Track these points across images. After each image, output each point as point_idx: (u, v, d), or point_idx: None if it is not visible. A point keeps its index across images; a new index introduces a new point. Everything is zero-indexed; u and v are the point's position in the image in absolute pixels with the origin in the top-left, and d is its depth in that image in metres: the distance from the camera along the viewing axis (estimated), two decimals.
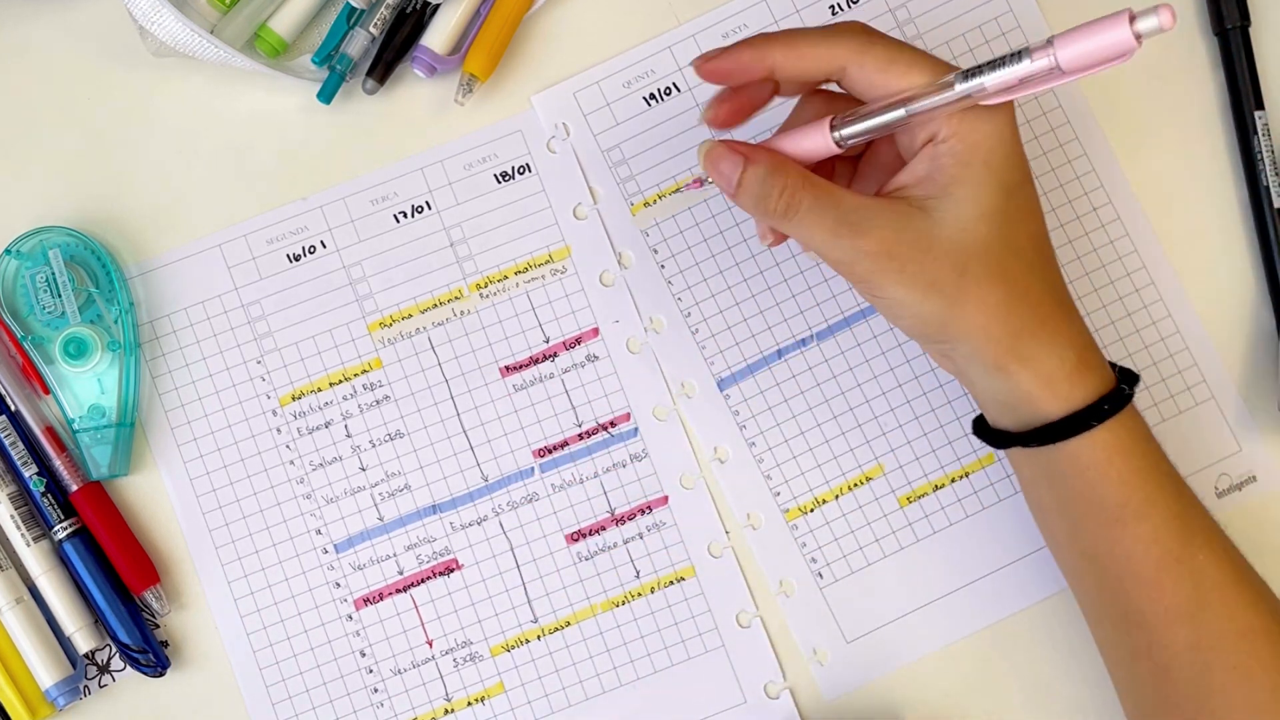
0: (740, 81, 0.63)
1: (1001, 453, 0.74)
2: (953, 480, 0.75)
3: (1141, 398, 0.74)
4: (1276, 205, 0.76)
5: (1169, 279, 0.76)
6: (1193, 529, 0.62)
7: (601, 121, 0.78)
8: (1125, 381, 0.62)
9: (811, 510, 0.75)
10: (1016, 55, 0.54)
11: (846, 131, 0.60)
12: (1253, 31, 0.78)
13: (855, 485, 0.75)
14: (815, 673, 0.74)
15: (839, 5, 0.79)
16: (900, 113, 0.58)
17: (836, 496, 0.75)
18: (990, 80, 0.55)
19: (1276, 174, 0.76)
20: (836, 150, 0.61)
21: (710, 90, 0.65)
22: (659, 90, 0.78)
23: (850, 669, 0.73)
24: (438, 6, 0.76)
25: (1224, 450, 0.75)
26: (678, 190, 0.77)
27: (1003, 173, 0.59)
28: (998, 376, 0.61)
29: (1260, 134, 0.76)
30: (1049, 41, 0.52)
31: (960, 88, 0.56)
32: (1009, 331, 0.60)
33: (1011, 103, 0.58)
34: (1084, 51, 0.51)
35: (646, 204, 0.77)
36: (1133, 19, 0.50)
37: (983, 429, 0.66)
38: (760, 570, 0.74)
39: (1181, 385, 0.76)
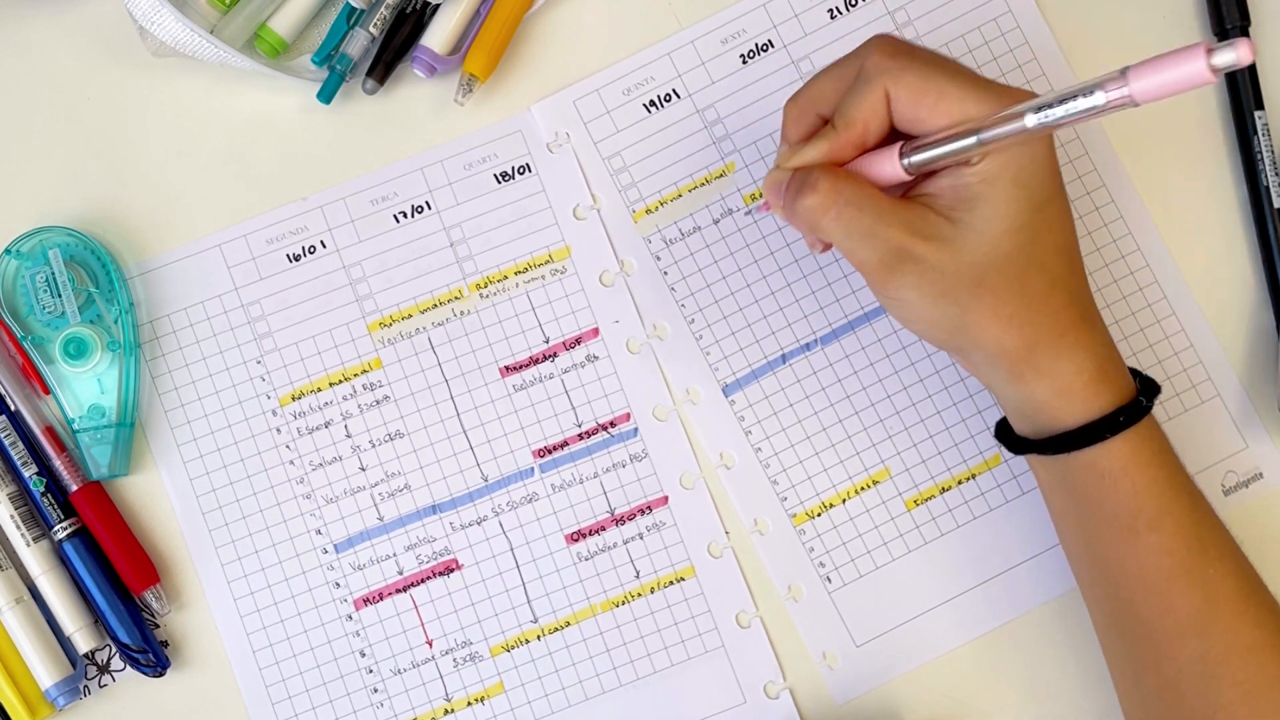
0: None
1: (1013, 455, 0.73)
2: (959, 482, 0.75)
3: None
4: (1276, 205, 0.76)
5: (1172, 276, 0.76)
6: (1205, 542, 0.62)
7: (602, 129, 0.78)
8: (1146, 392, 0.63)
9: (819, 515, 0.75)
10: (1089, 90, 0.52)
11: (916, 159, 0.60)
12: (1253, 31, 0.78)
13: (862, 489, 0.75)
14: (826, 677, 0.74)
15: (837, 9, 0.79)
16: (972, 140, 0.57)
17: (844, 500, 0.75)
18: (1063, 115, 0.53)
19: (1276, 174, 0.76)
20: (906, 177, 0.61)
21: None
22: (659, 97, 0.78)
23: (860, 673, 0.73)
24: (438, 6, 0.76)
25: (1230, 448, 0.75)
26: (679, 196, 0.77)
27: (1032, 189, 0.59)
28: (1014, 386, 0.62)
29: (1260, 134, 0.76)
30: (1123, 73, 0.50)
31: (1032, 123, 0.54)
32: (1025, 343, 0.60)
33: None
34: (1159, 84, 0.49)
35: (648, 211, 0.77)
36: (1210, 52, 0.47)
37: (1004, 433, 0.66)
38: (763, 572, 0.74)
39: (1187, 383, 0.76)
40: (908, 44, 0.61)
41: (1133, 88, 0.50)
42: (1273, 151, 0.76)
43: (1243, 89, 0.77)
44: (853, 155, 0.62)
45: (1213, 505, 0.64)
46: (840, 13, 0.79)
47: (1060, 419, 0.61)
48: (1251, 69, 0.77)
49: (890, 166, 0.61)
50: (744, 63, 0.79)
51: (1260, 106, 0.77)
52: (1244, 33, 0.77)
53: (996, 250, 0.59)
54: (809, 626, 0.74)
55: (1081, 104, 0.52)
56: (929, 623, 0.74)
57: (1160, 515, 0.61)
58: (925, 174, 0.61)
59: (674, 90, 0.78)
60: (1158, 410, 0.74)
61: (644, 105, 0.78)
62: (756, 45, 0.79)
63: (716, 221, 0.77)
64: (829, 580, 0.74)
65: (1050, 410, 0.62)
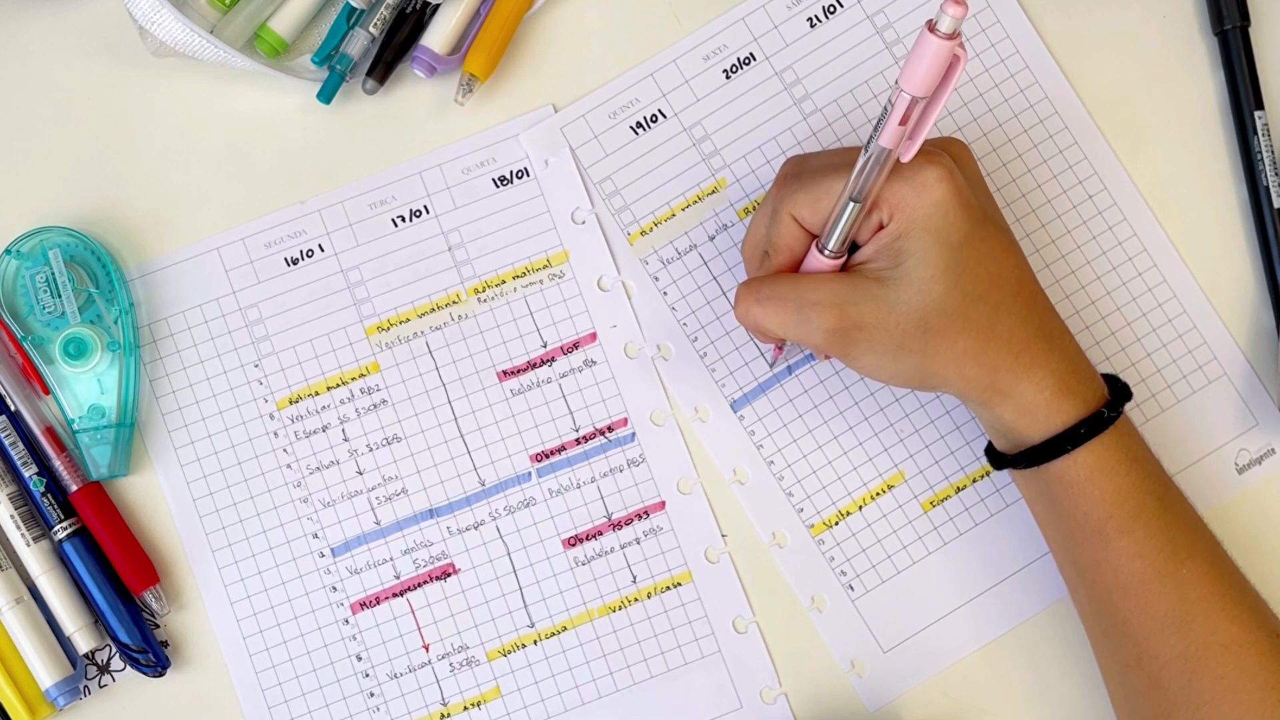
0: None
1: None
2: (974, 480, 0.75)
3: (1154, 380, 0.75)
4: (1276, 205, 0.76)
5: (1171, 258, 0.77)
6: (1177, 544, 0.64)
7: (590, 154, 0.78)
8: (1115, 399, 0.65)
9: (837, 523, 0.75)
10: (884, 110, 0.58)
11: (828, 246, 0.65)
12: (1253, 31, 0.78)
13: (878, 494, 0.75)
14: (855, 685, 0.74)
15: (816, 17, 0.79)
16: (851, 205, 0.63)
17: (860, 507, 0.75)
18: (883, 138, 0.59)
19: (1276, 174, 0.76)
20: (833, 263, 0.66)
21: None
22: (645, 118, 0.78)
23: (890, 678, 0.74)
24: (438, 6, 0.76)
25: (1241, 425, 0.76)
26: (673, 216, 0.77)
27: (944, 230, 0.63)
28: (985, 410, 0.66)
29: (1260, 134, 0.76)
30: (896, 84, 0.57)
31: (866, 157, 0.61)
32: (986, 370, 0.64)
33: (939, 170, 0.63)
34: (920, 75, 0.56)
35: (643, 233, 0.77)
36: (932, 27, 0.54)
37: (990, 450, 0.70)
38: (760, 577, 0.75)
39: (1193, 364, 0.76)
40: (798, 164, 0.68)
41: (904, 86, 0.57)
42: (1273, 151, 0.76)
43: (1242, 89, 0.77)
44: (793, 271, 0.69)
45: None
46: (819, 20, 0.79)
47: (1027, 435, 0.65)
48: (1251, 69, 0.77)
49: (819, 262, 0.66)
50: (727, 78, 0.78)
51: (1260, 106, 0.77)
52: (1243, 33, 0.77)
53: (929, 295, 0.63)
54: (835, 636, 0.74)
55: (885, 123, 0.59)
56: (955, 623, 0.74)
57: (1129, 520, 0.64)
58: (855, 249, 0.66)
59: (660, 110, 0.78)
60: (1167, 394, 0.75)
61: (630, 127, 0.78)
62: (739, 59, 0.79)
63: (712, 238, 0.77)
64: (851, 588, 0.74)
65: (1018, 428, 0.65)
